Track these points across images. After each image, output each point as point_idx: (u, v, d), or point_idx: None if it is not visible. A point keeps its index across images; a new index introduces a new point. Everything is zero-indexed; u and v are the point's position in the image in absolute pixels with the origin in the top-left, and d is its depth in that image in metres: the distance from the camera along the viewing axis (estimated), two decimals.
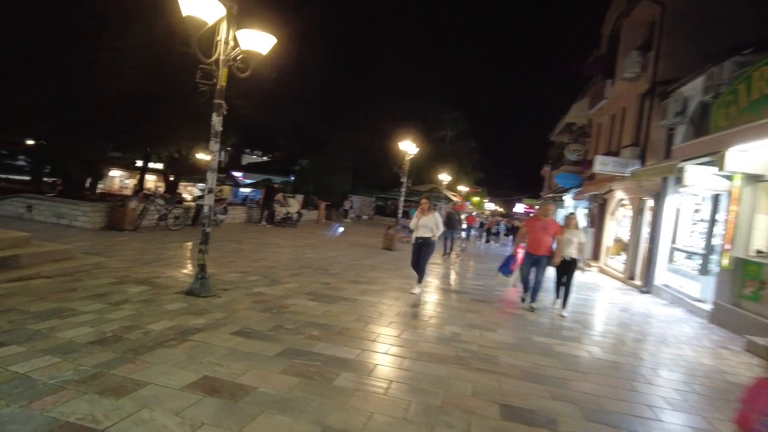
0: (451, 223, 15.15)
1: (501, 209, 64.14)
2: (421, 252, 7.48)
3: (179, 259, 8.39)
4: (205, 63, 5.69)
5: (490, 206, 58.22)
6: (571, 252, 7.28)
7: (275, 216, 18.32)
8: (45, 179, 29.16)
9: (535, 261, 7.37)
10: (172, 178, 35.44)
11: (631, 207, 14.10)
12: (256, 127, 38.03)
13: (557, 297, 7.58)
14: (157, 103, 18.10)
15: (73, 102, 14.92)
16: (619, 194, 15.10)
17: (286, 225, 18.28)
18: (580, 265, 7.65)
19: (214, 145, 5.89)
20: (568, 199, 20.33)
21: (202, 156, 30.90)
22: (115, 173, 43.84)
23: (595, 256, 16.71)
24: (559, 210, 24.22)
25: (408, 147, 14.88)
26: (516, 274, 7.86)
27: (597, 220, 17.27)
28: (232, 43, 5.80)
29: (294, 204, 19.14)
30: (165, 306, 5.16)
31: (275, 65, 31.09)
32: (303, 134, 40.80)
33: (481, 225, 23.13)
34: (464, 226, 21.23)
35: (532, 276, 7.49)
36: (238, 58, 5.85)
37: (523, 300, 7.71)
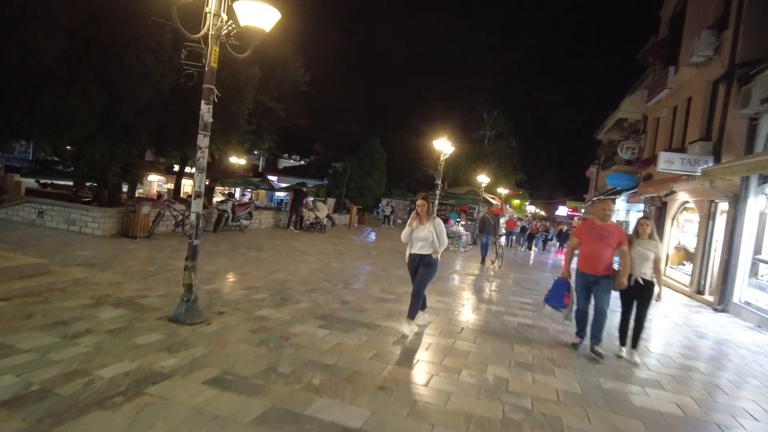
0: (485, 227, 14.24)
1: (542, 212, 61.68)
2: (418, 274, 5.43)
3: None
4: (190, 40, 4.69)
5: (530, 209, 55.97)
6: (646, 272, 5.27)
7: (303, 221, 17.41)
8: (87, 184, 29.59)
9: (592, 284, 5.35)
10: (207, 183, 35.53)
11: (698, 211, 12.38)
12: (292, 131, 37.76)
13: (623, 344, 5.49)
14: (190, 106, 17.81)
15: (115, 105, 14.77)
16: (683, 196, 13.36)
17: (315, 230, 17.35)
18: (656, 291, 5.35)
19: (203, 139, 4.86)
20: (620, 202, 18.54)
21: (234, 159, 30.67)
22: (153, 178, 44.46)
23: None
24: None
25: (443, 146, 13.64)
26: (568, 310, 5.56)
27: (655, 226, 15.50)
28: (225, 16, 4.77)
29: (323, 208, 18.19)
30: (136, 338, 4.15)
31: (308, 67, 30.45)
32: (338, 137, 40.26)
33: (523, 230, 21.43)
34: (503, 231, 19.82)
35: (588, 306, 5.49)
36: (232, 33, 4.81)
37: (575, 346, 5.52)
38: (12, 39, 13.43)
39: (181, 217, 11.50)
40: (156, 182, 45.24)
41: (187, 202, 16.79)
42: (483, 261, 13.91)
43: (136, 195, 27.43)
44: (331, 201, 26.26)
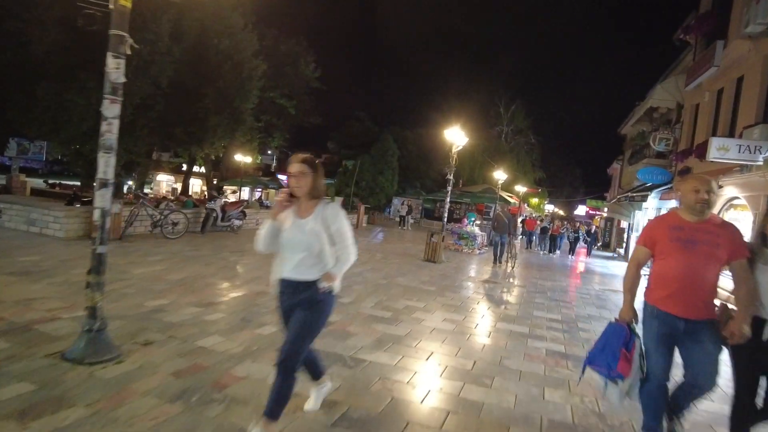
0: (500, 226, 13.27)
1: (561, 212, 59.64)
2: (299, 315, 2.59)
3: (142, 282, 6.15)
4: None
5: (549, 208, 54.01)
6: None
7: None
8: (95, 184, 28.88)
9: (681, 336, 2.80)
10: (215, 182, 34.58)
11: (750, 208, 10.71)
12: (305, 129, 36.67)
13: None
14: (194, 101, 17.03)
15: None
16: (731, 191, 11.67)
17: None
18: None
19: (110, 107, 3.50)
20: (651, 199, 16.75)
21: (240, 157, 29.56)
22: (162, 177, 43.94)
23: None
24: (636, 214, 20.57)
25: (455, 137, 12.17)
26: (629, 383, 2.84)
27: None
28: None
29: None
30: None
31: (320, 63, 29.24)
32: (351, 135, 39.09)
33: (544, 230, 19.82)
34: (519, 230, 18.33)
35: (669, 373, 2.87)
36: None
37: None
38: (4, 31, 12.61)
39: (159, 217, 10.23)
40: (165, 182, 44.73)
41: (179, 199, 15.64)
42: (497, 261, 13.00)
43: (144, 194, 26.51)
44: (339, 200, 24.93)
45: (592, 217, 47.65)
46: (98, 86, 13.81)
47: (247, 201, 16.19)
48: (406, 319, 5.75)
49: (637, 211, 20.79)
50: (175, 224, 10.55)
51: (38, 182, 30.65)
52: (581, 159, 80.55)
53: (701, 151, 12.25)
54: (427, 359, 4.38)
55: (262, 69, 21.72)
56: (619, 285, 12.29)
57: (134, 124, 15.74)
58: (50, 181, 36.48)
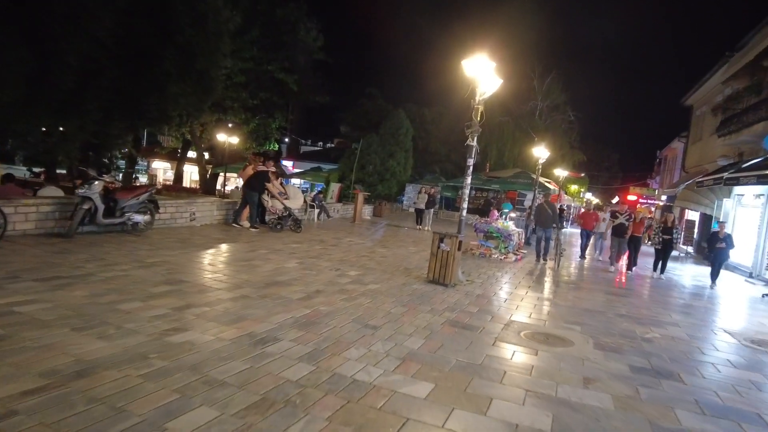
0: (544, 219, 11.40)
1: (596, 200, 53.72)
2: None
3: None
4: None
5: (587, 196, 48.11)
6: None
7: (266, 213, 11.35)
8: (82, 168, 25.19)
9: None
10: (210, 168, 30.11)
11: None
12: (316, 112, 31.86)
13: None
14: (150, 64, 12.98)
15: (47, 65, 10.65)
16: None
17: (286, 227, 11.24)
18: None
19: None
20: None
21: (223, 137, 24.93)
22: (159, 165, 40.30)
23: None
24: (724, 204, 15.31)
25: (481, 72, 7.17)
26: None
27: None
28: None
29: (296, 195, 12.02)
30: None
31: (323, 30, 24.30)
32: (363, 115, 34.43)
33: (619, 230, 11.49)
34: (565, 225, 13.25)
35: None
36: None
37: None
38: None
39: None
40: (162, 169, 41.22)
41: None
42: (543, 258, 11.31)
43: (136, 184, 22.37)
44: (336, 186, 20.16)
45: (634, 206, 42.02)
46: (19, 44, 9.63)
47: (154, 187, 11.38)
48: None
49: (725, 199, 15.50)
50: None
51: (21, 171, 27.10)
52: (617, 143, 73.05)
53: None
54: None
55: (236, 23, 17.34)
56: (753, 326, 6.88)
57: (81, 95, 11.58)
58: (36, 170, 32.87)
